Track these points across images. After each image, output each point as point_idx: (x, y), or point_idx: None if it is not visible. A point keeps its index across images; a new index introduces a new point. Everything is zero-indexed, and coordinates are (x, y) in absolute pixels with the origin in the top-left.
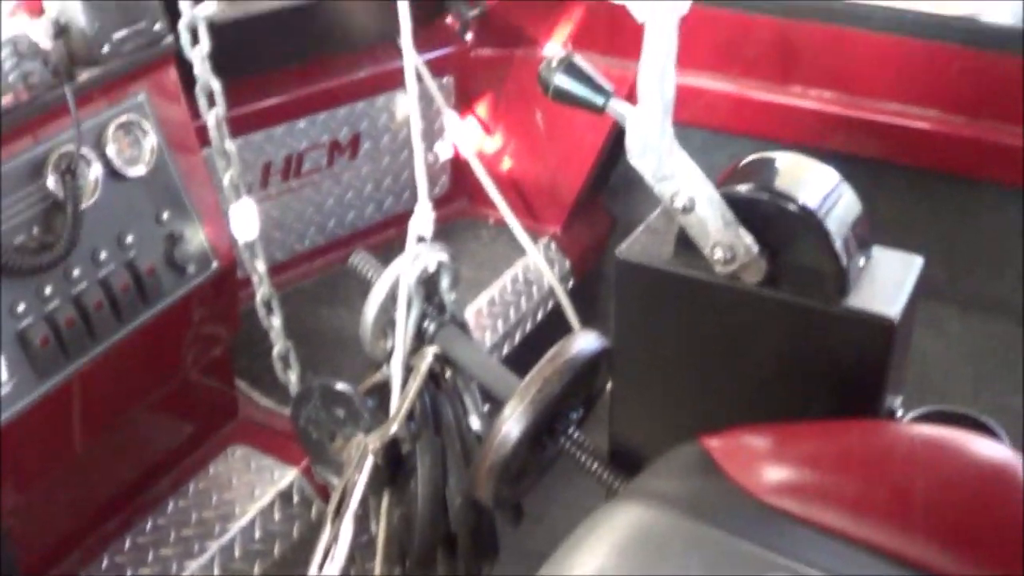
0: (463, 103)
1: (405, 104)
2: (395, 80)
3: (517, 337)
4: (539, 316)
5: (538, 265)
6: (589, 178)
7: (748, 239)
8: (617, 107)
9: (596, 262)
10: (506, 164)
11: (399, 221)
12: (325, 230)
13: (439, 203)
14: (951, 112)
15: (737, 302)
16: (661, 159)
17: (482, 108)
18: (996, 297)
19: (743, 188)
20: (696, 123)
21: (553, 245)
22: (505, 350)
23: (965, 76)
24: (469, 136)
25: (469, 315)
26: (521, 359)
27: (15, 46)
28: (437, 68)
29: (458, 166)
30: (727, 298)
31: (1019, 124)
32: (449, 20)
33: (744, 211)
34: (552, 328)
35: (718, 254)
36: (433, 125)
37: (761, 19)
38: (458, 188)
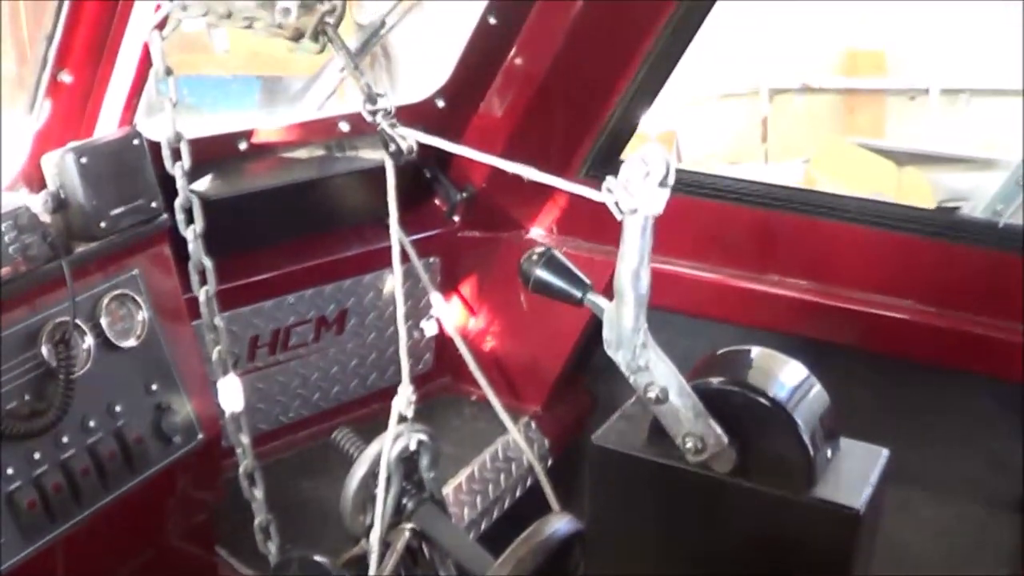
0: (449, 282)
1: (392, 283)
2: (383, 259)
3: (495, 514)
4: (517, 493)
5: (518, 443)
6: (570, 359)
7: (718, 430)
8: (595, 301)
9: (575, 442)
10: (489, 343)
11: (383, 396)
12: (309, 403)
13: (423, 379)
14: (923, 303)
15: (708, 490)
16: (636, 352)
17: (467, 288)
18: (966, 481)
19: (714, 381)
20: (676, 308)
21: (533, 424)
22: (483, 526)
23: (938, 268)
24: (454, 315)
25: (448, 491)
26: (499, 535)
27: (15, 219)
28: (424, 248)
29: (442, 343)
30: (698, 486)
31: (988, 315)
32: (437, 202)
33: (715, 403)
34: (530, 505)
35: (689, 444)
36: (419, 303)
37: (740, 209)
38: (442, 365)
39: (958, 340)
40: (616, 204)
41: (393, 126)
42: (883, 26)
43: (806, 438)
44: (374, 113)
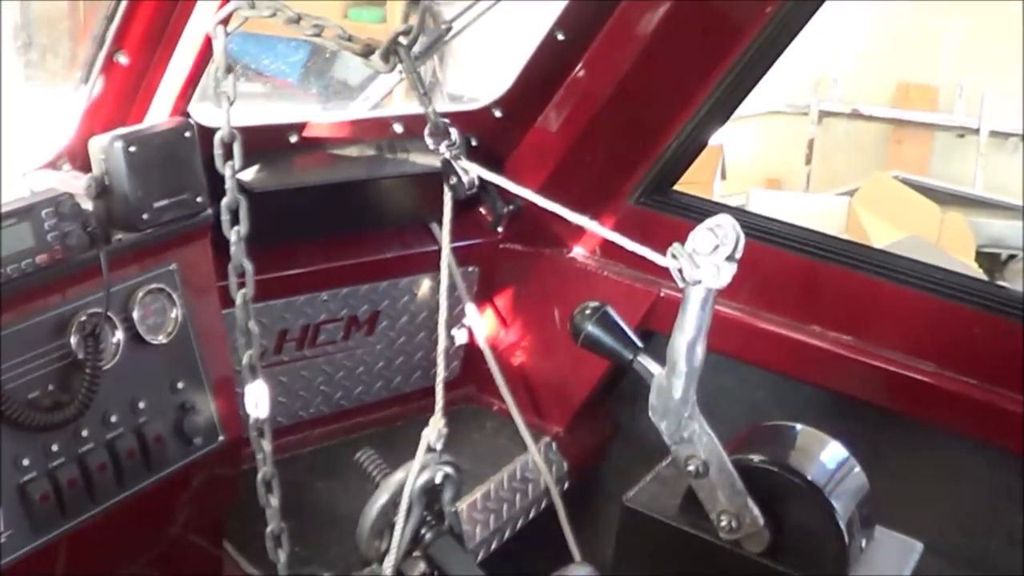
0: (485, 293)
1: (427, 288)
2: (421, 263)
3: (507, 533)
4: (531, 514)
5: (537, 464)
6: (599, 384)
7: (755, 511)
8: (645, 366)
9: (595, 467)
10: (518, 358)
11: (405, 400)
12: (331, 401)
13: (448, 387)
14: (958, 371)
15: (737, 567)
16: (681, 423)
17: (503, 300)
18: (985, 556)
19: (755, 458)
20: (710, 346)
21: (554, 445)
22: (493, 545)
23: (975, 338)
24: (486, 326)
25: (463, 507)
26: (509, 553)
27: (57, 207)
28: (464, 257)
29: (471, 352)
30: (727, 562)
31: (1017, 391)
32: (483, 211)
33: (753, 481)
34: (543, 527)
35: (724, 521)
36: (452, 311)
37: (787, 255)
38: (468, 374)
39: (989, 413)
40: (679, 272)
41: (457, 158)
42: (940, 61)
43: (842, 525)
44: (439, 143)
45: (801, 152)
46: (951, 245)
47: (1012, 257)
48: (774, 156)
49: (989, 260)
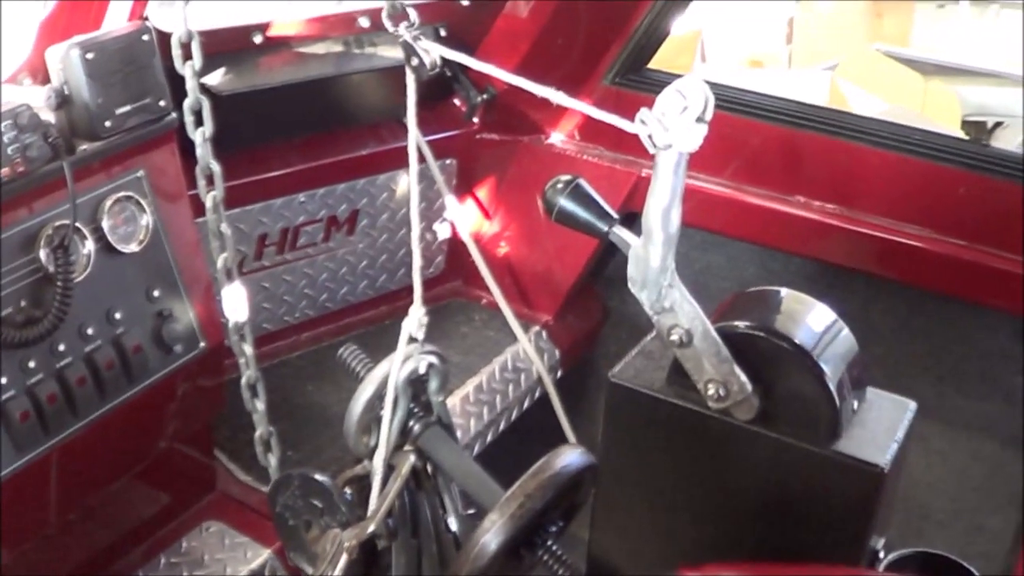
0: (464, 185)
1: (406, 183)
2: (397, 159)
3: (502, 425)
4: (526, 404)
5: (528, 353)
6: (586, 268)
7: (742, 377)
8: (621, 236)
9: (586, 353)
10: (503, 249)
11: (392, 298)
12: (316, 304)
13: (433, 283)
14: (948, 233)
15: (727, 437)
16: (661, 292)
17: (483, 191)
18: (982, 417)
19: (740, 324)
20: (696, 224)
21: (544, 334)
22: (488, 437)
23: (965, 200)
24: (468, 218)
25: (455, 401)
26: (505, 445)
27: (15, 119)
28: (441, 149)
29: (455, 246)
30: (717, 431)
31: (1015, 251)
32: (457, 102)
33: (739, 348)
34: (538, 416)
35: (711, 390)
36: (433, 205)
37: (768, 127)
38: (453, 269)
39: (980, 273)
40: (650, 137)
41: (417, 39)
42: None
43: (832, 388)
44: (397, 24)
45: (782, 33)
46: (936, 114)
47: (999, 124)
48: (755, 39)
49: (976, 128)
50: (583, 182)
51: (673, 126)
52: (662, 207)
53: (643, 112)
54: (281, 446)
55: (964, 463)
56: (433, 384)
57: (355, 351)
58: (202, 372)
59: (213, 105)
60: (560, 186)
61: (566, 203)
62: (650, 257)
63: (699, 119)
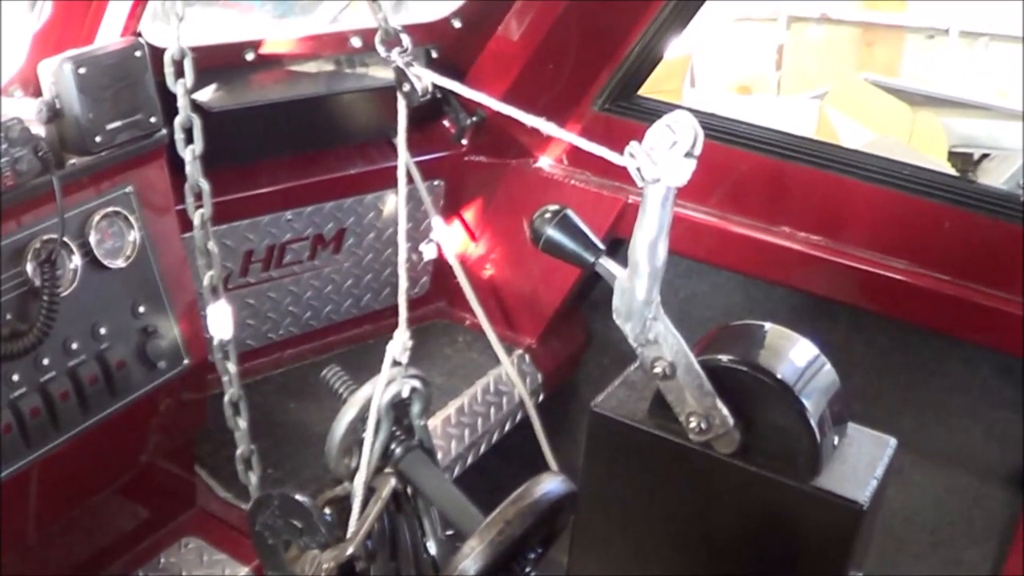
0: (452, 206)
1: (393, 204)
2: (385, 179)
3: (482, 447)
4: (507, 428)
5: (511, 377)
6: (570, 293)
7: (724, 411)
8: (607, 268)
9: (569, 377)
10: (488, 271)
11: (376, 318)
12: (300, 321)
13: (418, 303)
14: (931, 268)
15: (708, 469)
16: (646, 324)
17: (470, 213)
18: (961, 451)
19: (723, 358)
20: (681, 252)
21: (527, 357)
22: (469, 460)
23: (951, 235)
24: (454, 240)
25: (437, 423)
26: (485, 467)
27: (7, 132)
28: (429, 170)
29: (440, 267)
30: (698, 464)
31: (999, 287)
32: (446, 124)
33: (722, 381)
34: (519, 439)
35: (693, 423)
36: (420, 226)
37: (755, 157)
38: (438, 289)
39: (963, 309)
40: (638, 170)
41: (409, 65)
42: None
43: (813, 423)
44: (390, 50)
45: (772, 59)
46: (923, 145)
47: (985, 156)
48: (745, 65)
49: (962, 160)
50: (571, 212)
51: (662, 160)
52: (649, 240)
53: (632, 145)
54: (262, 464)
55: (942, 496)
56: (416, 408)
57: (339, 372)
58: (185, 388)
59: (203, 121)
60: (548, 216)
61: (553, 233)
62: (636, 289)
63: (688, 154)
